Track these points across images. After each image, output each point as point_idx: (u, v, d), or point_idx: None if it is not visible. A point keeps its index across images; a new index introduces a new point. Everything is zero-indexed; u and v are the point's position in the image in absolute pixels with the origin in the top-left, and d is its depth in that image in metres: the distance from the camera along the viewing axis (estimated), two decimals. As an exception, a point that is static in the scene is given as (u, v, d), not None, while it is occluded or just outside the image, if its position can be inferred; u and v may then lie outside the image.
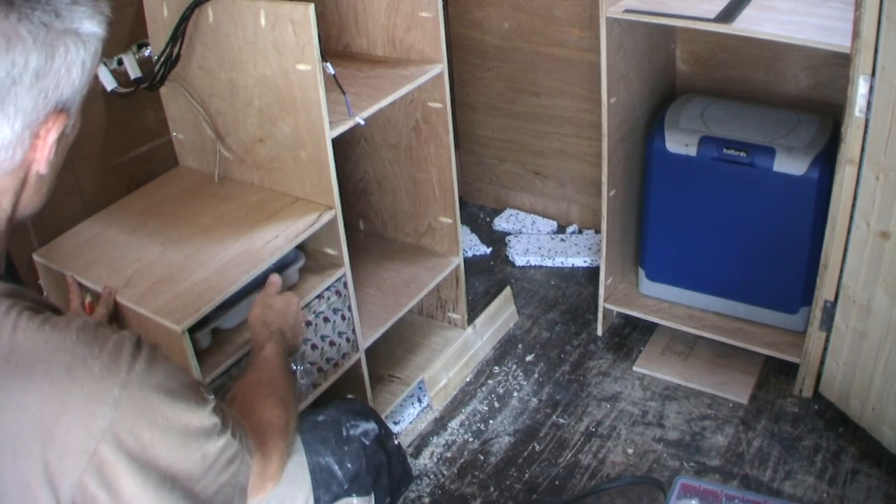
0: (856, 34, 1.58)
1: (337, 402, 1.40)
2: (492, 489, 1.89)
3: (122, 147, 1.81)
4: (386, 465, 1.36)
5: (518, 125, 2.75)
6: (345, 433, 1.31)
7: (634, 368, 2.19)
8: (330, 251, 1.74)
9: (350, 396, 1.47)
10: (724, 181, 1.99)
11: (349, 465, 1.29)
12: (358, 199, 2.24)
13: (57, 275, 1.62)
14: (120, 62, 1.72)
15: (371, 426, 1.35)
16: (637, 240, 2.33)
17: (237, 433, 0.95)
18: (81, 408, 0.78)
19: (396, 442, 1.42)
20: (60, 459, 0.78)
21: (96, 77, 1.70)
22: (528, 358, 2.27)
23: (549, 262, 2.63)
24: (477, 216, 2.93)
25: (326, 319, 1.72)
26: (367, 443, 1.32)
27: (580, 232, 2.77)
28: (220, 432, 0.90)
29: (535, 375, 2.20)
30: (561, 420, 2.06)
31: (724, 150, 1.96)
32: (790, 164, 1.90)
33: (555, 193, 2.80)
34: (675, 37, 2.29)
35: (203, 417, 0.88)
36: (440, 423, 2.08)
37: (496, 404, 2.12)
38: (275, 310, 1.41)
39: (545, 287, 2.54)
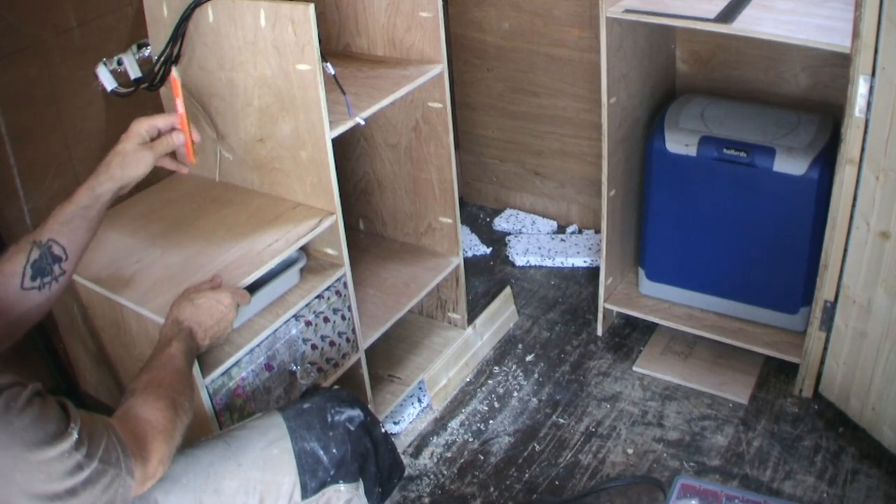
0: (856, 34, 1.58)
1: (323, 391, 1.41)
2: (492, 489, 1.89)
3: (122, 147, 1.81)
4: (373, 452, 1.36)
5: (518, 125, 2.75)
6: (329, 419, 1.32)
7: (634, 368, 2.19)
8: (330, 251, 1.74)
9: (336, 387, 1.47)
10: (724, 181, 1.99)
11: (334, 451, 1.30)
12: (358, 199, 2.24)
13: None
14: (120, 62, 1.72)
15: (356, 413, 1.35)
16: (637, 240, 2.33)
17: (112, 456, 0.98)
18: None
19: (384, 430, 1.42)
20: None
21: (96, 77, 1.70)
22: (528, 358, 2.27)
23: (549, 262, 2.63)
24: (477, 216, 2.93)
25: (326, 319, 1.72)
26: (352, 429, 1.33)
27: (580, 232, 2.77)
28: (86, 465, 0.94)
29: (535, 375, 2.20)
30: (561, 420, 2.06)
31: (724, 150, 1.96)
32: (790, 164, 1.90)
33: (555, 193, 2.80)
34: (675, 37, 2.29)
35: (65, 462, 0.92)
36: (440, 423, 2.08)
37: (496, 404, 2.12)
38: (195, 306, 1.38)
39: (545, 287, 2.54)
